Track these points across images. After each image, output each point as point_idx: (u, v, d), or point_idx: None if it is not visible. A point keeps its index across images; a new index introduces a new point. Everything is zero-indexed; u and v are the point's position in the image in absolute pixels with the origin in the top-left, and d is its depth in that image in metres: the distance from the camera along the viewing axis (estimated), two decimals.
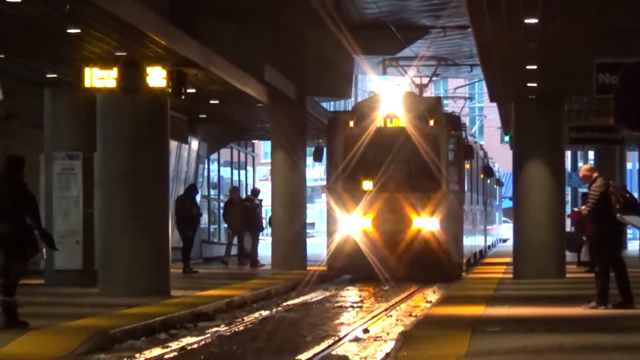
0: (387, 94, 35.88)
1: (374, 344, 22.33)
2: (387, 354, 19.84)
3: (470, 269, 44.62)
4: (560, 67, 32.99)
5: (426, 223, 34.58)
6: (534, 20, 26.37)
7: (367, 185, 34.92)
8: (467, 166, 40.45)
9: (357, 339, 23.28)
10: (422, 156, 34.54)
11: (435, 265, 34.87)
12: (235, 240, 49.22)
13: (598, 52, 26.25)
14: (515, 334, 21.29)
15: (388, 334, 23.89)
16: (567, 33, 27.56)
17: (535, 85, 37.69)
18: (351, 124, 35.49)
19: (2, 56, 30.45)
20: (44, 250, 27.55)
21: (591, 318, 24.37)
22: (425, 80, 51.10)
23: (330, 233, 36.57)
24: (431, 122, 35.04)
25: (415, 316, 25.86)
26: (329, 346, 21.66)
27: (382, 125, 35.41)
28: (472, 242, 44.98)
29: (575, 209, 35.91)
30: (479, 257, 52.95)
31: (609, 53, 26.12)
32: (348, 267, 35.60)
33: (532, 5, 24.95)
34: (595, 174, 28.78)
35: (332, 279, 37.76)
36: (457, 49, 47.24)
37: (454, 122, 37.28)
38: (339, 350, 21.40)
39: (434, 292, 32.44)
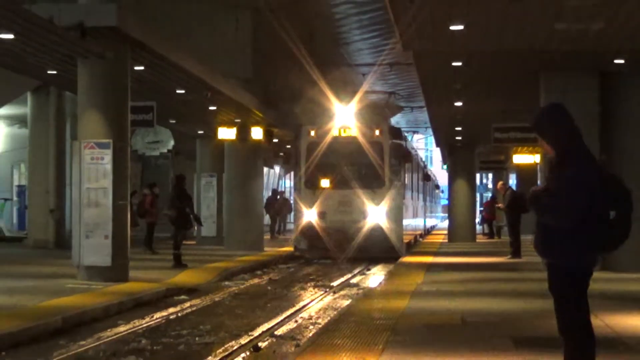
0: (342, 110, 28.16)
1: (373, 277, 22.23)
2: (381, 282, 19.77)
3: (421, 239, 40.23)
4: (473, 128, 32.81)
5: (372, 214, 27.01)
6: (460, 103, 26.32)
7: (325, 183, 27.49)
8: (408, 169, 32.56)
9: (363, 274, 23.19)
10: (369, 159, 27.10)
11: (379, 247, 26.83)
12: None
13: (494, 120, 26.14)
14: (450, 271, 21.20)
15: (381, 271, 23.79)
16: (478, 109, 27.44)
17: (460, 138, 37.58)
18: (312, 133, 27.81)
19: (174, 121, 30.53)
20: (195, 226, 27.61)
21: (493, 263, 24.18)
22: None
23: (296, 222, 29.12)
24: (377, 132, 27.69)
25: (395, 262, 25.69)
26: (348, 278, 21.61)
27: (338, 135, 27.62)
28: (413, 227, 36.48)
29: (497, 204, 35.07)
30: (423, 235, 44.92)
31: (500, 121, 26.04)
32: (309, 249, 27.64)
33: (459, 94, 24.86)
34: (507, 187, 29.20)
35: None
36: (420, 118, 47.18)
37: (395, 132, 29.51)
38: (354, 280, 21.35)
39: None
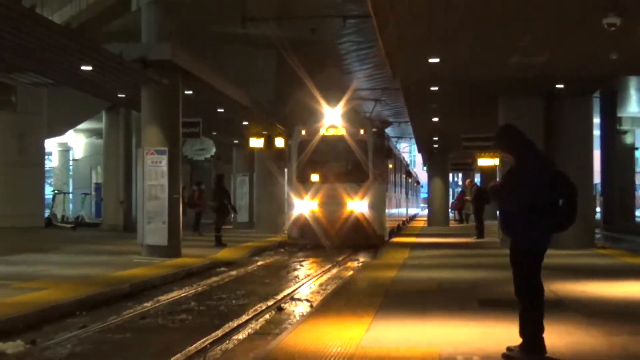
0: (330, 111, 24.22)
1: (368, 255, 22.15)
2: (373, 257, 19.70)
3: (400, 229, 33.86)
4: (446, 138, 32.82)
5: (357, 205, 23.16)
6: (436, 119, 26.30)
7: (315, 177, 23.59)
8: (391, 166, 28.06)
9: (362, 251, 23.05)
10: (355, 156, 23.42)
11: (363, 235, 23.10)
12: None
13: (463, 132, 26.10)
14: (429, 249, 21.11)
15: (375, 250, 23.66)
16: (450, 125, 27.44)
17: (436, 146, 37.54)
18: (304, 132, 24.00)
19: (215, 133, 30.51)
20: (232, 214, 27.51)
21: (464, 243, 24.13)
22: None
23: (288, 212, 24.80)
24: (362, 132, 23.71)
25: (383, 243, 25.55)
26: (349, 254, 21.46)
27: (326, 134, 23.86)
28: (396, 217, 31.66)
29: (465, 197, 35.20)
30: (407, 222, 40.36)
31: (467, 132, 25.97)
32: (301, 237, 23.56)
33: (435, 112, 24.85)
34: (473, 183, 29.06)
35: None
36: (406, 130, 47.05)
37: (378, 132, 25.26)
38: (354, 256, 21.25)
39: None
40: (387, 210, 25.28)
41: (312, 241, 23.06)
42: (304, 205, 23.53)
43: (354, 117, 25.36)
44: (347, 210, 23.32)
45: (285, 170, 24.37)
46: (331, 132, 23.92)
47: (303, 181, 23.71)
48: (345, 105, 24.75)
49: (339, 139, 23.78)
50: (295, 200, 23.75)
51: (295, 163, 23.87)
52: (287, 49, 23.20)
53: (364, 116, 29.23)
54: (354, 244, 22.69)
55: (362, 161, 23.42)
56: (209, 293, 13.22)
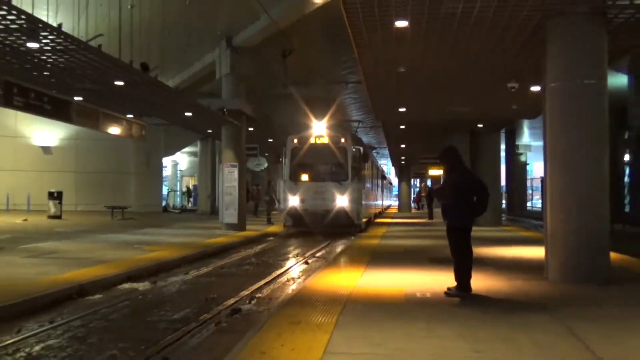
0: (317, 125, 19.66)
1: (360, 231, 21.85)
2: (364, 232, 19.52)
3: (379, 214, 29.80)
4: (410, 157, 32.57)
5: (339, 199, 18.52)
6: (404, 145, 26.13)
7: (305, 177, 18.76)
8: (368, 169, 23.12)
9: (353, 230, 22.70)
10: (337, 160, 18.83)
11: (344, 225, 18.56)
12: None
13: (421, 153, 25.90)
14: (398, 226, 20.95)
15: (365, 228, 23.31)
16: (413, 148, 27.26)
17: (403, 162, 37.25)
18: (295, 141, 19.14)
19: (267, 154, 30.29)
20: (277, 204, 27.31)
21: (420, 222, 23.88)
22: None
23: (284, 206, 19.61)
24: (342, 140, 19.05)
25: (367, 222, 25.20)
26: (350, 230, 21.24)
27: (314, 142, 19.15)
28: (373, 207, 26.20)
29: (421, 194, 34.48)
30: (383, 211, 34.80)
31: (424, 153, 25.71)
32: (294, 225, 18.67)
33: (403, 141, 24.69)
34: (426, 185, 28.46)
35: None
36: (384, 152, 46.70)
37: (356, 140, 20.40)
38: (350, 232, 21.05)
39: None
40: (364, 203, 21.45)
41: (303, 229, 18.75)
42: (296, 200, 18.94)
43: (336, 129, 21.42)
44: (330, 203, 19.26)
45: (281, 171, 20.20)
46: (318, 140, 19.94)
47: (295, 180, 19.03)
48: (331, 120, 21.48)
49: (324, 146, 19.33)
50: (289, 195, 19.12)
51: (288, 165, 19.25)
52: (308, 103, 23.06)
53: (345, 128, 25.11)
54: (336, 231, 18.42)
55: (342, 164, 19.34)
56: (262, 253, 13.24)
